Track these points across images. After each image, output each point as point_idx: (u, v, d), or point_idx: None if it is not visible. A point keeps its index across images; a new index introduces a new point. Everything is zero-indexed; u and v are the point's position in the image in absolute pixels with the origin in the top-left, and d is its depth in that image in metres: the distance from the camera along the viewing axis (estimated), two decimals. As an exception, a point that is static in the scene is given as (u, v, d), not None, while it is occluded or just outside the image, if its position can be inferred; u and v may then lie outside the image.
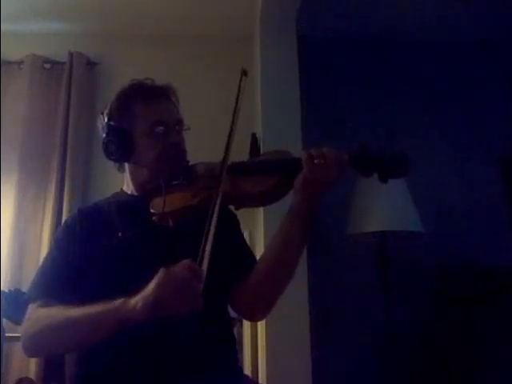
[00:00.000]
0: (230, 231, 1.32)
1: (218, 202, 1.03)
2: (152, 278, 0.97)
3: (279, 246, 1.18)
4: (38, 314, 1.14)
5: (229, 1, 2.60)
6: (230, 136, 1.13)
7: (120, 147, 1.25)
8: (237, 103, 1.16)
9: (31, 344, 1.15)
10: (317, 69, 2.78)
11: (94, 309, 1.04)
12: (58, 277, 1.19)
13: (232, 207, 1.24)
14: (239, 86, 1.17)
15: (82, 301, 1.17)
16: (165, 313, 0.95)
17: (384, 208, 2.27)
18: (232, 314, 1.30)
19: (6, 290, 2.03)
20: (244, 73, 1.19)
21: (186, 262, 0.96)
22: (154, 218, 1.14)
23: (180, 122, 1.31)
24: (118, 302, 1.01)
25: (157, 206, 1.14)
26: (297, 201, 1.12)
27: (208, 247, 0.98)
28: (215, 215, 1.02)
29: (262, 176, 1.14)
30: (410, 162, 1.08)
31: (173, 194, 1.15)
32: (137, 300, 0.97)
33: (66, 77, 2.68)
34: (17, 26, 2.75)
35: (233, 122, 1.13)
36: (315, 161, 1.07)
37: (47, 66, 2.74)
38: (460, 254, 2.57)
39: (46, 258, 1.26)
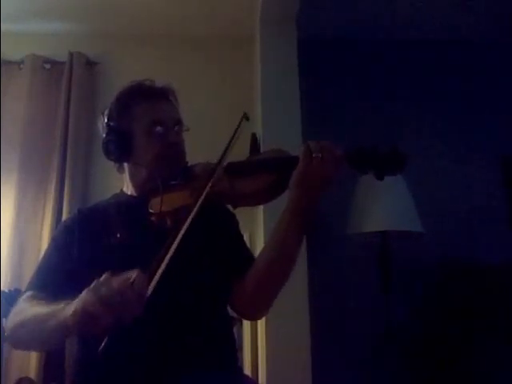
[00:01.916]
0: (228, 231, 1.32)
1: (191, 217, 1.02)
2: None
3: (277, 244, 1.18)
4: (17, 308, 1.15)
5: (229, 1, 2.60)
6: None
7: (119, 147, 1.26)
8: (231, 141, 1.15)
9: (12, 338, 1.16)
10: (317, 69, 2.78)
11: (49, 309, 1.04)
12: (52, 272, 1.20)
13: (230, 206, 1.24)
14: (237, 128, 1.17)
15: None
16: (91, 323, 0.89)
17: (384, 208, 2.27)
18: (231, 313, 1.30)
19: (6, 290, 2.03)
20: (246, 117, 1.19)
21: (131, 273, 0.90)
22: (152, 217, 1.14)
23: (179, 122, 1.31)
24: (61, 305, 0.99)
25: (155, 205, 1.15)
26: (293, 197, 1.12)
27: (167, 257, 0.94)
28: (184, 227, 0.99)
29: (258, 174, 1.14)
30: (406, 158, 1.08)
31: (171, 193, 1.16)
32: (69, 306, 0.95)
33: (66, 77, 2.68)
34: (17, 25, 2.75)
35: (220, 161, 1.13)
36: (313, 154, 1.07)
37: (47, 66, 2.74)
38: (460, 254, 2.57)
39: (43, 256, 1.28)
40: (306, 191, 1.10)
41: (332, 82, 2.84)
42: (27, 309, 1.11)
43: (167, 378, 1.08)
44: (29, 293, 1.18)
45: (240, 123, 1.19)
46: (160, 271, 0.92)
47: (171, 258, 0.95)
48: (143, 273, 0.91)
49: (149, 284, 0.91)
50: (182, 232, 0.98)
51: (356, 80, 2.88)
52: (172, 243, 0.96)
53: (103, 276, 0.91)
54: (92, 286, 0.91)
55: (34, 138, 2.62)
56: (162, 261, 0.94)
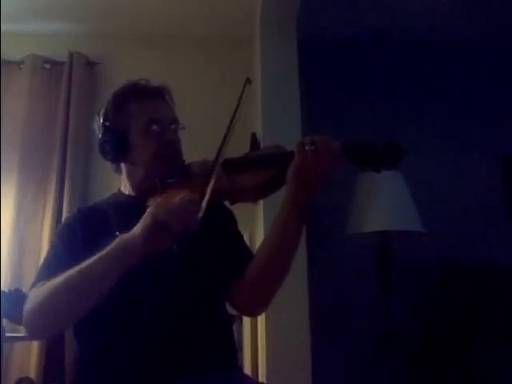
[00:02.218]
0: (226, 228, 1.32)
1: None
2: (149, 277, 0.97)
3: (276, 236, 1.18)
4: (39, 289, 1.11)
5: (229, 1, 2.60)
6: (225, 140, 1.12)
7: (116, 147, 1.25)
8: (237, 109, 1.14)
9: (35, 318, 1.11)
10: (317, 69, 2.78)
11: (94, 257, 1.04)
12: (61, 264, 1.15)
13: (227, 203, 1.24)
14: (242, 93, 1.17)
15: None
16: (163, 232, 0.95)
17: (384, 208, 2.27)
18: (231, 310, 1.30)
19: (6, 290, 2.03)
20: (248, 81, 1.18)
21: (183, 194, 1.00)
22: None
23: (175, 120, 1.31)
24: (114, 241, 1.03)
25: (153, 204, 1.15)
26: (290, 191, 1.12)
27: (211, 184, 1.02)
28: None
29: (256, 170, 1.14)
30: (403, 150, 1.07)
31: (168, 191, 1.16)
32: (135, 229, 1.00)
33: (66, 77, 2.69)
34: (17, 25, 2.75)
35: (229, 128, 1.12)
36: (306, 147, 1.07)
37: (47, 66, 2.75)
38: (460, 254, 2.57)
39: (49, 250, 1.26)
40: (303, 184, 1.10)
41: (332, 82, 2.84)
42: (54, 281, 1.07)
43: (167, 377, 1.08)
44: (40, 283, 1.13)
45: (244, 87, 1.17)
46: (209, 190, 1.00)
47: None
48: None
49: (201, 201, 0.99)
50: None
51: (356, 80, 2.88)
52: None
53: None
54: (152, 205, 1.00)
55: (34, 138, 2.62)
56: (209, 180, 1.02)
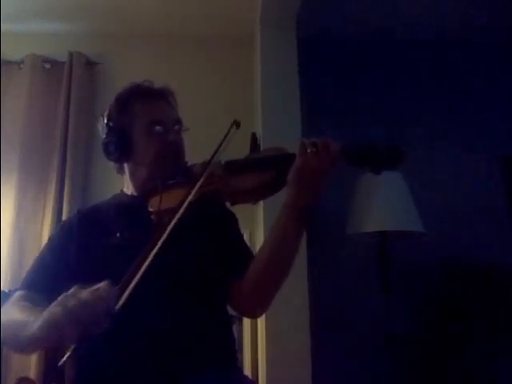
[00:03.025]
0: (227, 229, 1.32)
1: (172, 224, 1.02)
2: (149, 277, 0.97)
3: (276, 239, 1.17)
4: (6, 307, 1.15)
5: (229, 1, 2.60)
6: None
7: (119, 147, 1.26)
8: (219, 147, 1.16)
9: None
10: (317, 69, 2.78)
11: (25, 317, 1.03)
12: (42, 272, 1.21)
13: (228, 204, 1.24)
14: (227, 134, 1.18)
15: None
16: (57, 336, 0.89)
17: (384, 208, 2.27)
18: (231, 311, 1.30)
19: (6, 290, 2.03)
20: (236, 124, 1.19)
21: (100, 285, 0.91)
22: (151, 216, 1.15)
23: (178, 121, 1.32)
24: (38, 313, 0.98)
25: (154, 204, 1.15)
26: (291, 193, 1.11)
27: (139, 273, 0.94)
28: (163, 237, 0.99)
29: (257, 171, 1.15)
30: (403, 153, 1.07)
31: (170, 192, 1.16)
32: (38, 320, 0.94)
33: (66, 77, 2.68)
34: (17, 25, 2.75)
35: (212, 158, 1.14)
36: (308, 150, 1.07)
37: (47, 65, 2.74)
38: (460, 254, 2.57)
39: (37, 256, 1.28)
40: (304, 186, 1.10)
41: (332, 82, 2.84)
42: (10, 311, 1.12)
43: (167, 377, 1.08)
44: (19, 292, 1.19)
45: (229, 130, 1.19)
46: (132, 285, 0.93)
47: (145, 269, 0.95)
48: (113, 285, 0.91)
49: (119, 297, 0.91)
50: (159, 243, 0.98)
51: (356, 80, 2.88)
52: (147, 255, 0.96)
53: (72, 288, 0.91)
54: (60, 298, 0.91)
55: (34, 138, 2.62)
56: (133, 275, 0.94)
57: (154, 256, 0.97)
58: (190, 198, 1.04)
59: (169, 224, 1.01)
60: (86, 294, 0.90)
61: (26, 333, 0.98)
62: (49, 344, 0.95)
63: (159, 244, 0.98)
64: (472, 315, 2.49)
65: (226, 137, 1.17)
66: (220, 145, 1.16)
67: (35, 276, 1.22)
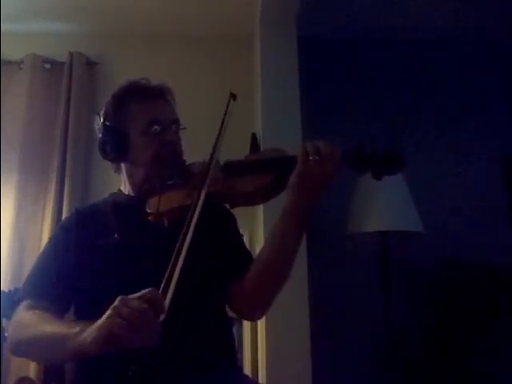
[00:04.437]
0: (226, 230, 1.31)
1: (193, 224, 1.00)
2: (148, 279, 0.96)
3: (275, 245, 1.16)
4: (21, 319, 1.14)
5: (229, 1, 2.60)
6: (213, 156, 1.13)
7: (116, 147, 1.25)
8: (222, 125, 1.15)
9: (12, 346, 1.16)
10: (317, 69, 2.78)
11: (61, 329, 1.02)
12: (49, 277, 1.19)
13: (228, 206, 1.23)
14: (226, 109, 1.17)
15: (78, 300, 1.18)
16: (118, 346, 0.88)
17: (384, 208, 2.27)
18: (231, 313, 1.30)
19: (6, 290, 2.02)
20: (233, 96, 1.19)
21: (147, 292, 0.89)
22: (149, 217, 1.14)
23: (176, 121, 1.30)
24: (77, 329, 0.97)
25: (152, 205, 1.14)
26: (291, 199, 1.09)
27: (176, 272, 0.93)
28: (187, 240, 0.98)
29: (257, 174, 1.13)
30: (404, 159, 1.07)
31: (168, 193, 1.15)
32: (89, 332, 0.92)
33: (66, 77, 2.68)
34: (17, 25, 2.75)
35: (216, 143, 1.13)
36: (310, 157, 1.05)
37: (47, 65, 2.74)
38: (460, 254, 2.57)
39: (39, 257, 1.26)
40: (305, 193, 1.08)
41: (332, 82, 2.84)
42: (34, 324, 1.09)
43: (167, 378, 1.08)
44: (28, 302, 1.16)
45: (228, 103, 1.18)
46: (173, 286, 0.92)
47: (181, 269, 0.94)
48: (157, 289, 0.90)
49: (164, 299, 0.90)
50: (188, 240, 0.97)
51: (356, 80, 2.88)
52: (179, 255, 0.95)
53: (118, 298, 0.89)
54: (111, 308, 0.89)
55: (34, 138, 2.61)
56: (172, 275, 0.93)
57: (184, 261, 0.95)
58: (200, 202, 1.03)
59: (187, 231, 0.98)
60: (135, 301, 0.88)
61: (71, 345, 0.96)
62: (99, 352, 0.92)
63: (184, 251, 0.96)
64: (472, 315, 2.49)
65: (226, 112, 1.16)
66: (223, 122, 1.15)
67: (41, 284, 1.19)
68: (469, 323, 2.49)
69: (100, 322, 0.90)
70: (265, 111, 2.34)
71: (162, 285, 0.92)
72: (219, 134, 1.14)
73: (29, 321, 1.11)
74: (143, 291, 0.89)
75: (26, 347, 1.11)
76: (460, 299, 2.53)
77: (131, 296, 0.89)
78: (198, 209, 1.02)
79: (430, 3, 2.69)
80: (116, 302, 0.89)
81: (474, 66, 2.95)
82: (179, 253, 0.94)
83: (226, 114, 1.16)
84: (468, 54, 2.95)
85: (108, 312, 0.89)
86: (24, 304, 1.16)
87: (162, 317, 0.88)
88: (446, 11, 2.75)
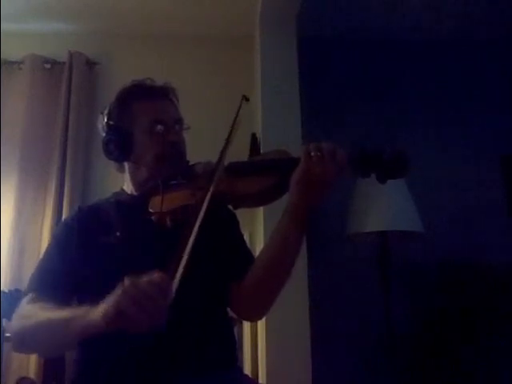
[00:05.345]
0: (227, 230, 1.31)
1: (198, 223, 0.99)
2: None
3: (276, 245, 1.16)
4: (24, 311, 1.15)
5: (229, 1, 2.60)
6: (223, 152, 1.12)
7: (119, 146, 1.25)
8: (232, 127, 1.15)
9: (16, 341, 1.17)
10: (317, 69, 2.78)
11: (66, 313, 1.04)
12: (53, 272, 1.20)
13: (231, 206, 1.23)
14: (238, 111, 1.17)
15: (80, 299, 1.18)
16: (125, 326, 0.88)
17: (384, 208, 2.27)
18: (231, 313, 1.29)
19: (6, 290, 2.03)
20: (246, 99, 1.18)
21: (156, 275, 0.89)
22: (152, 217, 1.14)
23: (180, 121, 1.31)
24: (86, 308, 0.98)
25: (155, 205, 1.14)
26: (293, 199, 1.09)
27: (184, 258, 0.93)
28: (196, 226, 0.97)
29: (260, 176, 1.13)
30: (409, 162, 1.05)
31: (171, 193, 1.15)
32: (99, 309, 0.93)
33: (66, 77, 2.68)
34: (17, 25, 2.75)
35: (226, 145, 1.13)
36: (312, 153, 1.04)
37: (47, 65, 2.74)
38: (460, 254, 2.57)
39: (44, 254, 1.28)
40: (307, 192, 1.07)
41: (332, 81, 2.84)
42: (37, 313, 1.10)
43: (167, 377, 1.08)
44: (31, 295, 1.17)
45: (240, 105, 1.17)
46: (180, 270, 0.92)
47: (188, 258, 0.94)
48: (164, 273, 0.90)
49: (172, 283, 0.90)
50: (192, 240, 0.96)
51: (356, 80, 2.88)
52: (182, 255, 0.94)
53: (128, 278, 0.90)
54: (120, 287, 0.90)
55: (34, 139, 2.61)
56: (180, 260, 0.92)
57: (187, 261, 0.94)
58: (206, 202, 1.03)
59: (192, 230, 0.98)
60: (144, 282, 0.88)
61: (79, 324, 0.98)
62: (114, 329, 0.92)
63: (188, 250, 0.95)
64: (472, 315, 2.49)
65: (237, 114, 1.16)
66: (234, 123, 1.15)
67: (45, 278, 1.20)
68: (469, 323, 2.49)
69: (108, 300, 0.91)
70: (265, 111, 2.34)
71: (171, 270, 0.92)
72: (229, 136, 1.13)
73: (33, 311, 1.12)
74: (152, 274, 0.89)
75: (31, 336, 1.11)
76: (460, 299, 2.53)
77: (140, 277, 0.90)
78: (204, 209, 1.01)
79: (429, 3, 2.69)
80: (125, 282, 0.89)
81: (473, 65, 2.95)
82: (183, 252, 0.94)
83: (237, 116, 1.16)
84: (468, 54, 2.95)
85: (117, 291, 0.90)
86: (28, 297, 1.17)
87: (169, 300, 0.89)
88: (445, 11, 2.75)
